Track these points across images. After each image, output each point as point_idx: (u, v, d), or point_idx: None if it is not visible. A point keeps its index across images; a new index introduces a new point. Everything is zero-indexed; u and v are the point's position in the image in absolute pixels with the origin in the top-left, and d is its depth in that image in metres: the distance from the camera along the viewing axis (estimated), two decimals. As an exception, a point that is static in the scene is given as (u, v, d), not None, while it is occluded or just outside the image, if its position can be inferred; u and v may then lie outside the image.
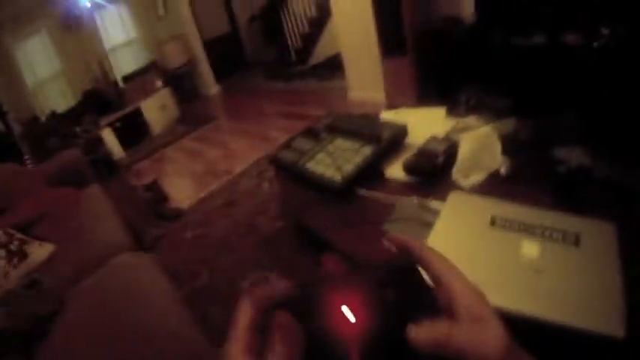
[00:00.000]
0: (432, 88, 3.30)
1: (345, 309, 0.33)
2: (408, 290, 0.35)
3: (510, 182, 1.25)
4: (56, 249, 2.35)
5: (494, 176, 1.29)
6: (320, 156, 1.61)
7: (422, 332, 0.33)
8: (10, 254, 2.19)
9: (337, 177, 1.45)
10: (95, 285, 1.90)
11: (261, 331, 0.37)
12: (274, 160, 1.82)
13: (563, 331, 0.75)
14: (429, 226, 1.10)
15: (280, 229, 2.72)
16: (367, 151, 1.52)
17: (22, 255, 2.22)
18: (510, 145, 1.34)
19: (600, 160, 1.14)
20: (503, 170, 1.29)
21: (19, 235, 2.36)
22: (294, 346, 0.34)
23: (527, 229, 0.96)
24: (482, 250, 0.96)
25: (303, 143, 1.76)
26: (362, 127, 1.66)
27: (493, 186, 1.25)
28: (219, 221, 3.15)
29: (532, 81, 2.51)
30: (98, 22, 8.19)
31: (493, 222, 1.00)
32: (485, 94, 1.75)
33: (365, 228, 1.27)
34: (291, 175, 1.69)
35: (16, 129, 5.53)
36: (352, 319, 0.32)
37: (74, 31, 7.88)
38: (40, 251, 2.29)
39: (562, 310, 0.78)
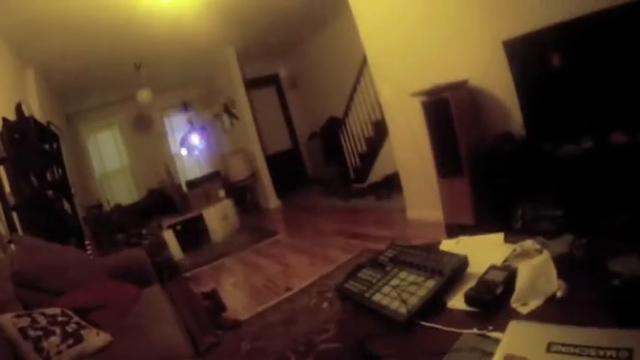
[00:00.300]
0: (489, 206, 3.33)
1: None
2: None
3: (566, 305, 1.29)
4: (112, 341, 2.35)
5: (550, 300, 1.34)
6: (386, 289, 1.69)
7: None
8: (66, 335, 2.18)
9: (402, 310, 1.51)
10: None
11: None
12: (341, 290, 1.89)
13: None
14: (489, 355, 1.14)
15: (339, 350, 2.68)
16: (431, 284, 1.59)
17: (79, 338, 2.20)
18: (565, 266, 1.40)
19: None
20: (559, 294, 1.33)
21: (76, 319, 2.37)
22: None
23: (581, 352, 0.99)
24: None
25: (370, 275, 1.86)
26: (425, 260, 1.74)
27: (550, 310, 1.30)
28: (277, 337, 3.12)
29: (584, 186, 2.53)
30: (167, 126, 8.84)
31: (549, 348, 1.04)
32: (540, 207, 1.83)
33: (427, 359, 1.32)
34: (357, 304, 1.76)
35: (80, 212, 5.74)
36: None
37: (144, 132, 8.51)
38: (96, 339, 2.28)
39: None
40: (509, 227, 2.62)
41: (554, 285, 1.36)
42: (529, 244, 1.61)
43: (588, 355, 0.98)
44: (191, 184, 7.92)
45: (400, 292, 1.61)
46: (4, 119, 3.89)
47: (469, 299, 1.46)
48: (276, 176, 8.08)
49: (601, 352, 0.97)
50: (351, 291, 1.82)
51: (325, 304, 3.40)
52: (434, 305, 1.53)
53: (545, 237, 1.64)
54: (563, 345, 1.03)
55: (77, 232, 4.79)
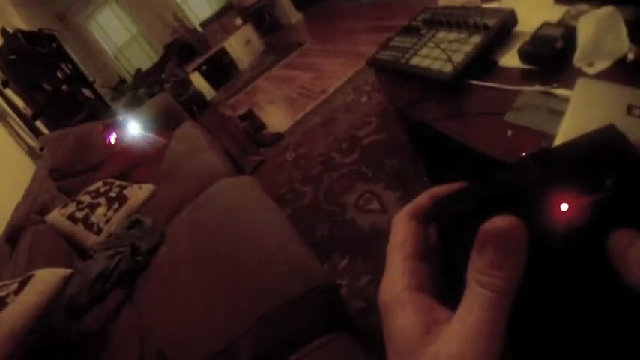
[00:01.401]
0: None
1: (564, 207, 0.23)
2: (626, 187, 0.23)
3: (639, 69, 1.11)
4: (155, 188, 2.40)
5: (620, 63, 1.15)
6: (424, 50, 1.46)
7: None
8: (110, 201, 2.27)
9: (447, 68, 1.31)
10: (194, 210, 1.90)
11: (426, 256, 0.26)
12: (374, 62, 1.66)
13: None
14: (558, 114, 0.97)
15: (383, 140, 2.62)
16: (476, 39, 1.36)
17: (123, 199, 2.29)
18: (633, 31, 1.18)
19: None
20: (630, 56, 1.13)
21: (118, 182, 2.44)
22: (519, 262, 0.22)
23: None
24: None
25: (403, 41, 1.61)
26: (466, 16, 1.48)
27: (621, 74, 1.10)
28: (319, 140, 3.09)
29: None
30: None
31: (629, 111, 0.86)
32: None
33: (484, 119, 1.20)
34: (395, 74, 1.55)
35: (107, 95, 5.85)
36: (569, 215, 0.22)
37: None
38: (139, 193, 2.35)
39: None
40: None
41: (624, 44, 1.10)
42: (585, 6, 1.36)
43: None
44: (205, 23, 7.61)
45: (442, 52, 1.38)
46: (-7, 48, 3.84)
47: (525, 54, 1.28)
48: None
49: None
50: (384, 60, 1.60)
51: (364, 98, 3.28)
52: (483, 63, 1.33)
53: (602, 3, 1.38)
54: None
55: (106, 114, 4.86)
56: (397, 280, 0.25)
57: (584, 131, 0.71)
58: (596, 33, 1.19)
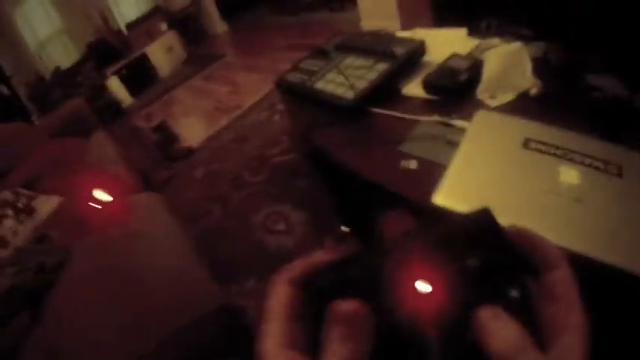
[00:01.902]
0: (450, 16, 3.13)
1: (420, 284, 0.25)
2: (491, 259, 0.26)
3: (542, 104, 1.09)
4: (63, 200, 2.29)
5: (523, 97, 1.15)
6: (330, 75, 1.46)
7: (499, 327, 0.25)
8: (17, 212, 2.15)
9: (349, 94, 1.31)
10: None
11: (300, 318, 0.29)
12: (280, 83, 1.66)
13: (602, 268, 0.66)
14: (453, 145, 0.98)
15: (292, 161, 2.64)
16: (382, 67, 1.36)
17: (29, 211, 2.18)
18: (540, 69, 1.20)
19: (637, 92, 1.01)
20: (533, 91, 1.15)
21: (25, 192, 2.31)
22: (360, 339, 0.26)
23: (564, 155, 0.85)
24: (515, 173, 0.85)
25: (312, 64, 1.62)
26: (375, 43, 1.49)
27: (522, 107, 1.10)
28: (230, 157, 3.06)
29: (557, 8, 2.29)
30: None
31: (526, 144, 0.88)
32: (507, 22, 1.60)
33: (381, 147, 1.17)
34: (300, 97, 1.55)
35: (23, 91, 5.64)
36: (428, 295, 0.25)
37: None
38: (46, 205, 2.24)
39: (603, 244, 0.69)
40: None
41: (528, 79, 1.15)
42: (496, 41, 1.38)
43: (572, 160, 0.84)
44: (131, 25, 7.31)
45: (347, 78, 1.39)
46: None
47: (428, 85, 1.28)
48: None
49: (587, 160, 0.83)
50: (291, 82, 1.60)
51: (277, 117, 3.31)
52: (386, 91, 1.34)
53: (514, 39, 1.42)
54: (542, 143, 0.88)
55: (21, 113, 4.78)
56: (273, 338, 0.28)
57: (476, 164, 0.78)
58: (502, 67, 1.22)
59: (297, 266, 0.31)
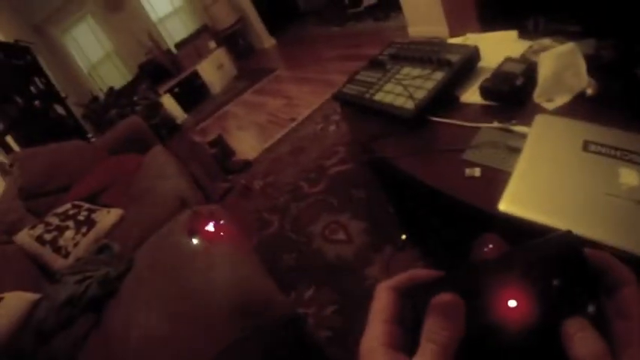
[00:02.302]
0: (497, 16, 3.08)
1: (511, 302, 0.29)
2: (573, 284, 0.29)
3: (598, 104, 1.09)
4: (124, 213, 2.39)
5: (579, 98, 1.13)
6: (388, 86, 1.49)
7: (585, 337, 0.28)
8: (79, 224, 2.25)
9: (409, 105, 1.33)
10: (160, 239, 1.89)
11: (400, 322, 0.33)
12: (339, 96, 1.70)
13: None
14: (514, 151, 1.00)
15: (350, 170, 2.65)
16: (439, 75, 1.38)
17: (91, 223, 2.27)
18: (593, 67, 1.16)
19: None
20: (589, 91, 1.13)
21: (86, 205, 2.42)
22: (455, 328, 0.29)
23: (624, 156, 0.84)
24: (575, 176, 0.86)
25: (369, 75, 1.64)
26: (430, 52, 1.51)
27: (580, 109, 1.10)
28: (287, 169, 3.10)
29: (606, 1, 2.23)
30: None
31: (585, 147, 0.88)
32: (555, 19, 1.59)
33: (443, 156, 1.20)
34: (359, 109, 1.57)
35: (78, 111, 5.79)
36: (516, 308, 0.29)
37: (118, 10, 8.03)
38: (108, 217, 2.33)
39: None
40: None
41: (583, 80, 1.14)
42: (547, 41, 1.37)
43: (632, 162, 0.82)
44: (180, 44, 7.53)
45: (405, 88, 1.41)
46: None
47: (485, 91, 1.29)
48: (266, 14, 7.58)
49: (647, 161, 0.82)
50: (349, 95, 1.63)
51: (333, 127, 3.32)
52: (445, 99, 1.36)
53: (565, 38, 1.41)
54: (602, 145, 0.87)
55: (77, 131, 4.86)
56: (376, 337, 0.31)
57: (538, 169, 0.82)
58: (556, 69, 1.21)
59: (400, 277, 0.35)
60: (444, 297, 0.30)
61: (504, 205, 0.86)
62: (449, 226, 1.39)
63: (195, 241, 1.80)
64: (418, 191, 1.16)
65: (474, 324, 0.29)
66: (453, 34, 3.50)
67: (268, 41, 7.63)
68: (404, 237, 1.89)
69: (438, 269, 0.34)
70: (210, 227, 2.31)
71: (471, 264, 0.33)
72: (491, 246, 0.31)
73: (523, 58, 1.35)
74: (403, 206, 1.80)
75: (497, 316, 0.29)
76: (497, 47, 1.51)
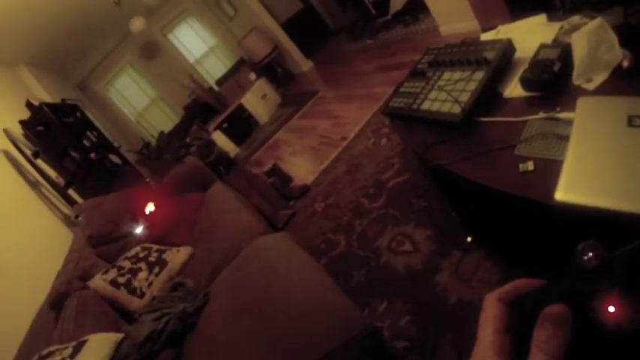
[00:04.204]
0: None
1: (611, 308, 0.31)
2: None
3: (636, 75, 1.09)
4: (193, 251, 2.47)
5: (617, 72, 1.13)
6: (433, 94, 1.52)
7: None
8: (151, 265, 2.34)
9: (456, 109, 1.36)
10: (234, 271, 1.96)
11: (508, 330, 0.35)
12: (387, 111, 1.73)
13: None
14: (562, 138, 1.01)
15: (407, 181, 2.65)
16: (479, 75, 1.41)
17: (163, 263, 2.36)
18: (624, 36, 1.15)
19: None
20: (625, 63, 1.11)
21: (156, 247, 2.51)
22: (564, 336, 0.31)
23: None
24: (626, 154, 0.86)
25: (412, 86, 1.67)
26: (466, 53, 1.53)
27: (619, 83, 1.11)
28: (346, 187, 3.13)
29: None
30: (175, 42, 8.65)
31: (630, 121, 0.88)
32: None
33: (495, 154, 1.19)
34: (408, 120, 1.61)
35: (132, 158, 6.01)
36: (615, 313, 0.31)
37: (155, 58, 8.41)
38: (178, 256, 2.41)
39: None
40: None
41: (617, 53, 1.14)
42: (576, 19, 1.36)
43: None
44: (221, 81, 7.74)
45: (449, 93, 1.44)
46: (21, 122, 4.06)
47: (526, 82, 1.31)
48: (298, 40, 7.70)
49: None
50: (397, 108, 1.66)
51: (384, 140, 3.33)
52: (489, 98, 1.38)
53: (593, 11, 1.41)
54: None
55: (135, 177, 5.07)
56: (488, 347, 0.34)
57: (589, 153, 0.85)
58: (589, 48, 1.21)
59: (504, 287, 0.37)
60: (554, 308, 0.32)
61: (560, 194, 0.87)
62: (512, 223, 1.41)
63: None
64: (477, 192, 1.18)
65: (580, 330, 0.31)
66: (483, 26, 3.49)
67: (306, 65, 7.73)
68: (469, 239, 1.90)
69: (535, 276, 0.37)
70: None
71: (573, 273, 0.34)
72: (591, 254, 0.33)
73: (557, 42, 1.36)
74: (464, 209, 1.81)
75: (599, 322, 0.31)
76: (529, 35, 1.53)
